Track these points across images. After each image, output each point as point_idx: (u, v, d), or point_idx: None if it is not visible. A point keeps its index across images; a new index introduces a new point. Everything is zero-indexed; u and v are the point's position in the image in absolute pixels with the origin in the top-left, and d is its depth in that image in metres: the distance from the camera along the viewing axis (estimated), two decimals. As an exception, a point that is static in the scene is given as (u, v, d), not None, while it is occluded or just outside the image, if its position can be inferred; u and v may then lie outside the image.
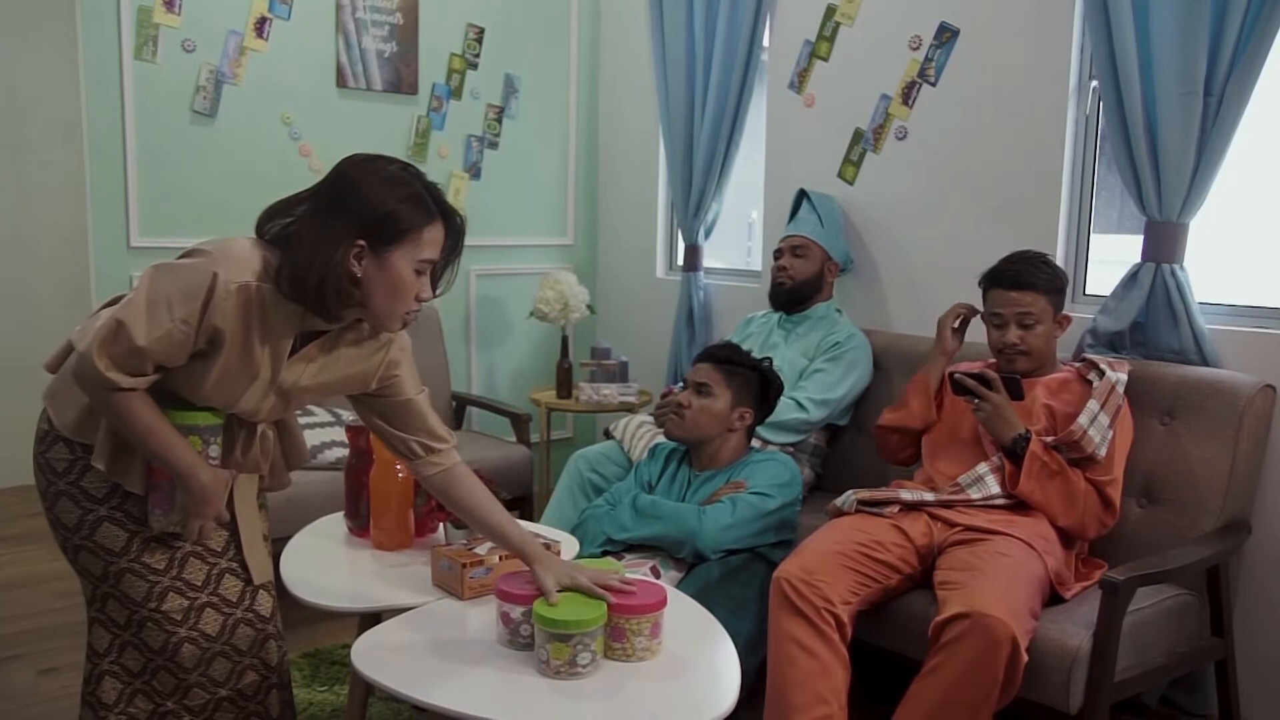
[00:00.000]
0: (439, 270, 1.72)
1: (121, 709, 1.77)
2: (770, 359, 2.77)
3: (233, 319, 1.59)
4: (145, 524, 1.73)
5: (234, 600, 1.83)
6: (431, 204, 1.63)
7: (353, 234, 1.58)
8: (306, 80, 3.79)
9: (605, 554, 2.51)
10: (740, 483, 2.54)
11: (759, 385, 2.67)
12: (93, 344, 1.56)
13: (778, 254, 3.26)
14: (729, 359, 2.67)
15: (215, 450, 1.72)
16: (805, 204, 3.30)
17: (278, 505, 2.99)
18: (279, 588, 1.98)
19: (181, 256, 1.64)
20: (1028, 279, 2.44)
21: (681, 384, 2.75)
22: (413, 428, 1.87)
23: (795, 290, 3.20)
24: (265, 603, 1.88)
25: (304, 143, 3.80)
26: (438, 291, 1.73)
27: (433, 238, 1.64)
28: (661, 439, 2.94)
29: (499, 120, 4.26)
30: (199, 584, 1.79)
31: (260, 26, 3.66)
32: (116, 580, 1.73)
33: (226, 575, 1.82)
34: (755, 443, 2.79)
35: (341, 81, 3.85)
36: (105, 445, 1.69)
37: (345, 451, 2.49)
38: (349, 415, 3.09)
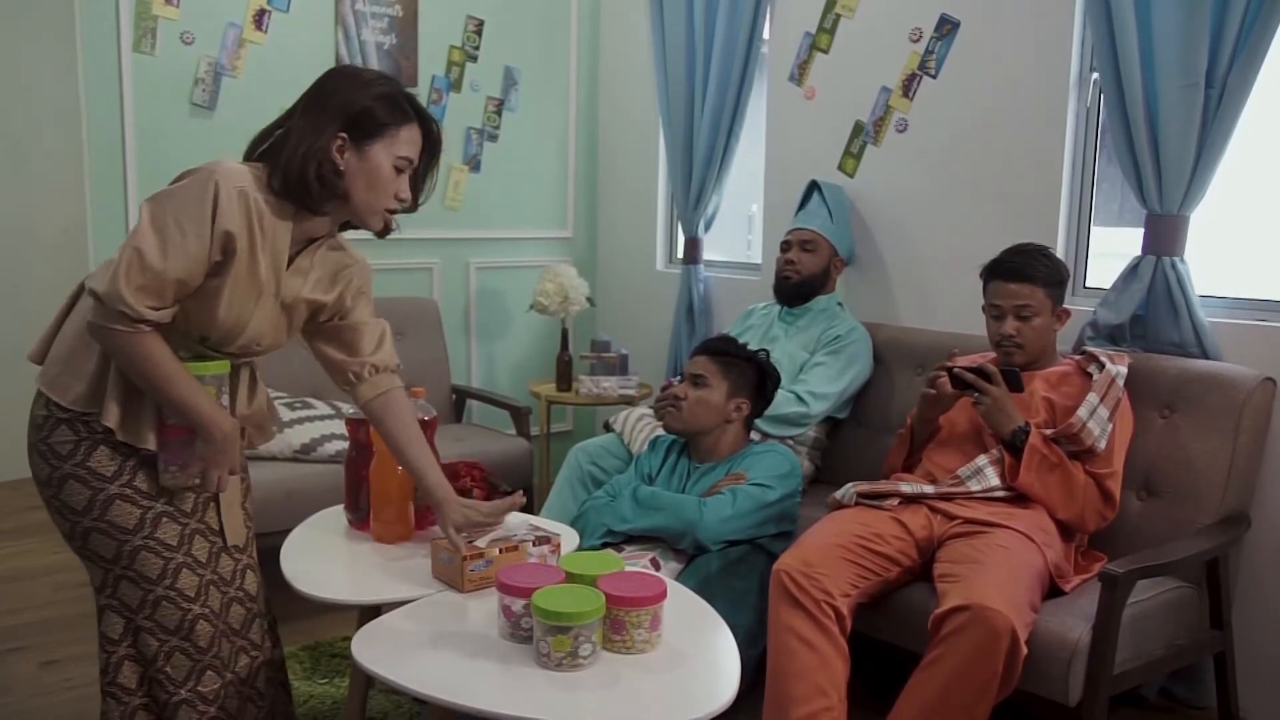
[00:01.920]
0: (419, 177, 1.82)
1: (145, 692, 1.78)
2: (767, 351, 2.77)
3: (239, 223, 1.65)
4: (156, 499, 1.74)
5: (228, 579, 1.85)
6: (407, 106, 1.76)
7: (335, 127, 1.70)
8: (306, 73, 3.74)
9: (605, 545, 2.51)
10: (740, 474, 2.54)
11: (755, 376, 2.67)
12: (117, 278, 1.58)
13: (785, 246, 3.25)
14: (724, 351, 2.69)
15: (225, 399, 1.77)
16: (816, 196, 3.28)
17: (277, 499, 3.01)
18: (279, 579, 1.99)
19: (174, 182, 1.68)
20: (1026, 271, 2.44)
21: (679, 377, 2.75)
22: (364, 351, 1.92)
23: (801, 285, 3.20)
24: (252, 581, 1.92)
25: (303, 135, 3.80)
26: (420, 199, 1.84)
27: (410, 137, 1.76)
28: (661, 431, 2.94)
29: (499, 113, 4.26)
30: (204, 560, 1.81)
31: (259, 19, 3.66)
32: (130, 559, 1.73)
33: (222, 554, 1.85)
34: (754, 435, 2.80)
35: (341, 74, 3.84)
36: (114, 406, 1.69)
37: (345, 445, 2.49)
38: (348, 408, 3.09)
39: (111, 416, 1.69)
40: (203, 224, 1.62)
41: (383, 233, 1.86)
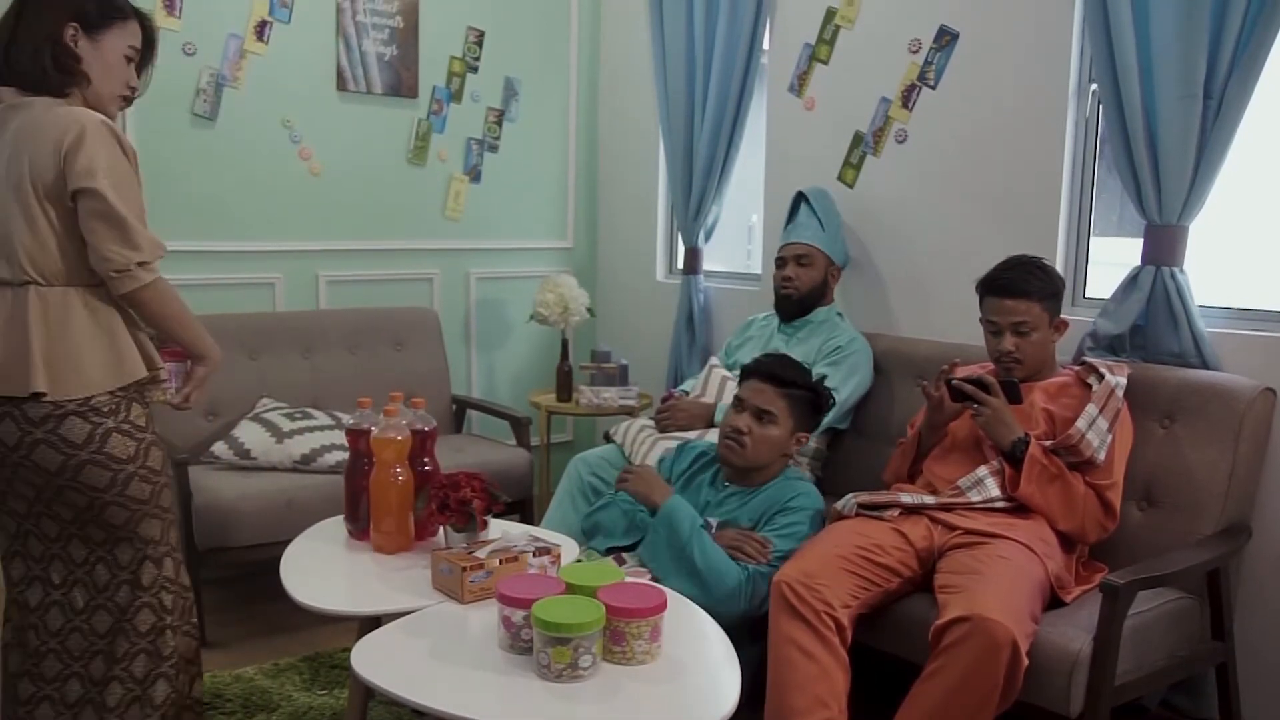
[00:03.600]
0: (140, 69, 2.05)
1: (178, 580, 2.07)
2: (825, 375, 2.72)
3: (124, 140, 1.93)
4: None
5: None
6: (124, 3, 2.00)
7: (65, 18, 1.91)
8: (307, 83, 3.79)
9: (610, 551, 2.50)
10: (766, 543, 2.38)
11: (814, 404, 2.57)
12: (134, 239, 1.85)
13: (781, 262, 3.25)
14: (793, 380, 2.52)
15: None
16: (805, 207, 3.27)
17: (277, 509, 3.01)
18: (279, 590, 2.01)
19: (72, 152, 1.83)
20: (1022, 286, 2.44)
21: (735, 401, 2.58)
22: None
23: (802, 300, 3.20)
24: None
25: (304, 146, 3.81)
26: (138, 91, 2.07)
27: (134, 30, 2.01)
28: (665, 443, 2.93)
29: (499, 123, 4.27)
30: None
31: (260, 29, 3.67)
32: (158, 456, 2.01)
33: None
34: None
35: (342, 85, 3.86)
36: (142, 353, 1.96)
37: (345, 455, 2.49)
38: (348, 418, 3.09)
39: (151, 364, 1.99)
40: (128, 166, 1.90)
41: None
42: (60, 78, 1.90)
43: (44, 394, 1.84)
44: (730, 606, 2.14)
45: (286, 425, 3.26)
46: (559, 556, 2.02)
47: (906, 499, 2.41)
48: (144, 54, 2.05)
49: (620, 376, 3.94)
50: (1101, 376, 2.42)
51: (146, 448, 1.97)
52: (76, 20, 1.92)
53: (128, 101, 2.03)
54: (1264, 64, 2.39)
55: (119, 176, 1.85)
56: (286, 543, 2.28)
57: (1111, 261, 2.88)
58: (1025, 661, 1.98)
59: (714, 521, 2.46)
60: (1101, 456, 2.33)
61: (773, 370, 2.55)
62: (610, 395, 3.85)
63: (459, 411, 3.96)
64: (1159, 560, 2.28)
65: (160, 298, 1.92)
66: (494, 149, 4.27)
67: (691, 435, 2.96)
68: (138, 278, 1.87)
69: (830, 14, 3.48)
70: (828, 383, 3.03)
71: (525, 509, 3.55)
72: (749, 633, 2.37)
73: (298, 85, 3.77)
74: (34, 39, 1.88)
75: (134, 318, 1.97)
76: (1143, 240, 2.63)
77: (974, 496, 2.37)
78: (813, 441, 3.07)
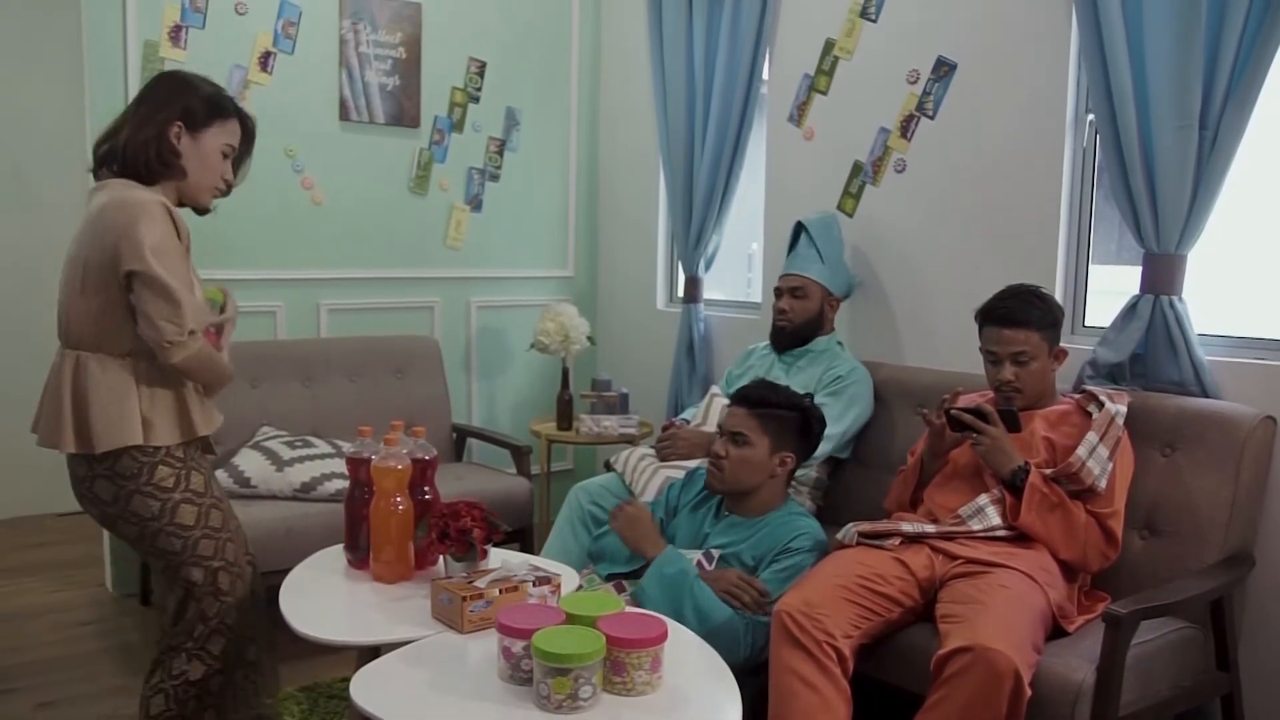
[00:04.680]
0: (237, 162, 2.19)
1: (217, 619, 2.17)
2: (812, 395, 2.71)
3: (177, 220, 2.05)
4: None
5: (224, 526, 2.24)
6: (229, 104, 2.15)
7: (173, 117, 2.07)
8: (310, 114, 3.82)
9: (612, 577, 2.49)
10: (765, 593, 2.35)
11: (799, 425, 2.55)
12: (183, 319, 1.95)
13: (778, 293, 3.26)
14: (762, 401, 2.53)
15: None
16: (804, 237, 3.26)
17: (277, 537, 3.00)
18: (278, 619, 2.01)
19: (121, 236, 1.95)
20: (1021, 316, 2.44)
21: (717, 429, 2.61)
22: None
23: (796, 332, 3.20)
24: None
25: (307, 175, 3.83)
26: (236, 181, 2.20)
27: (233, 129, 2.15)
28: (666, 472, 2.93)
29: (500, 153, 4.29)
30: (219, 527, 2.20)
31: (264, 60, 3.70)
32: (207, 515, 2.13)
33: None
34: None
35: (344, 115, 3.89)
36: (167, 422, 2.06)
37: (345, 483, 2.48)
38: (348, 447, 3.08)
39: (172, 434, 2.07)
40: (176, 243, 2.01)
41: (204, 212, 2.21)
42: (160, 170, 2.06)
43: (70, 451, 2.02)
44: (729, 656, 2.05)
45: (287, 453, 3.26)
46: (559, 586, 2.01)
47: (907, 528, 2.40)
48: (242, 148, 2.19)
49: (621, 405, 3.94)
50: (1101, 404, 2.42)
51: (174, 506, 2.07)
52: (183, 119, 2.07)
53: (221, 193, 2.17)
54: (1259, 94, 2.41)
55: (165, 252, 1.96)
56: (286, 571, 2.27)
57: (1110, 290, 2.89)
58: (1028, 692, 1.97)
59: (715, 552, 2.45)
60: (1102, 484, 2.32)
61: (744, 394, 2.60)
62: (611, 424, 3.85)
63: (459, 440, 3.95)
64: (1162, 590, 2.27)
65: (208, 361, 2.06)
66: (495, 178, 4.29)
67: (693, 464, 2.95)
68: (187, 346, 1.99)
69: (829, 45, 3.51)
70: (828, 413, 3.03)
71: (525, 538, 3.54)
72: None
73: (301, 115, 3.80)
74: (146, 133, 2.05)
75: (157, 390, 2.07)
76: (1141, 269, 2.64)
77: (975, 525, 2.37)
78: (814, 471, 3.06)
